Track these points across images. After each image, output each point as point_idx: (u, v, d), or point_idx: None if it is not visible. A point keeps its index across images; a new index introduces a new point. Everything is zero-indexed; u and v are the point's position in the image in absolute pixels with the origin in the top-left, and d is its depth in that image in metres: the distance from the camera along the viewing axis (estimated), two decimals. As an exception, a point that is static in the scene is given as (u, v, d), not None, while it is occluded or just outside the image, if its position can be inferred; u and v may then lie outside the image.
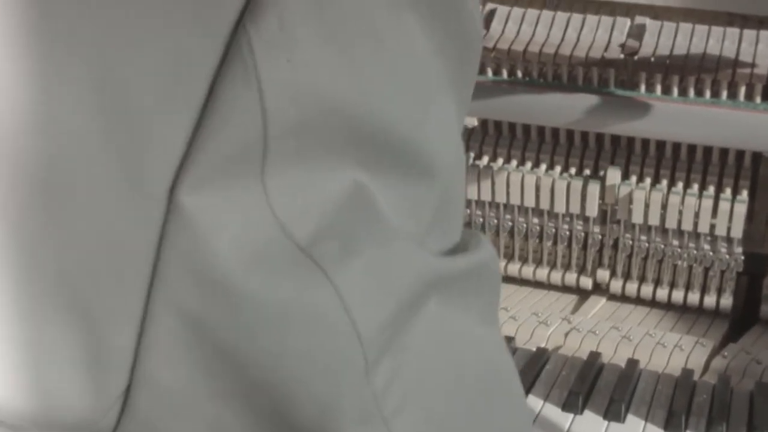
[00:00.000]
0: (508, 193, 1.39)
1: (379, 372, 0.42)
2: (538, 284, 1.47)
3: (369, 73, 0.40)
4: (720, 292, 1.37)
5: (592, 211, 1.36)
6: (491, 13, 1.41)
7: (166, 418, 0.41)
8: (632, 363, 1.24)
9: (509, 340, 1.29)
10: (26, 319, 0.38)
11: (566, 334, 1.31)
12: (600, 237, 1.39)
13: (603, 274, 1.42)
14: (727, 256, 1.34)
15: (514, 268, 1.46)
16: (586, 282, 1.43)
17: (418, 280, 0.44)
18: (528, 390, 1.21)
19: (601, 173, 1.37)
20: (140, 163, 0.37)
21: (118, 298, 0.39)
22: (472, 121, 1.39)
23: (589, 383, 1.20)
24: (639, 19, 1.37)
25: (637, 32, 1.35)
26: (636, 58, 1.32)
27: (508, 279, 1.48)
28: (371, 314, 0.42)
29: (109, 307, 0.39)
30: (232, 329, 0.39)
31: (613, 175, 1.34)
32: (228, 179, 0.38)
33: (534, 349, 1.28)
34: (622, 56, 1.32)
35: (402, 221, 0.44)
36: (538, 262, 1.45)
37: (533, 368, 1.24)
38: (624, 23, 1.36)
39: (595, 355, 1.26)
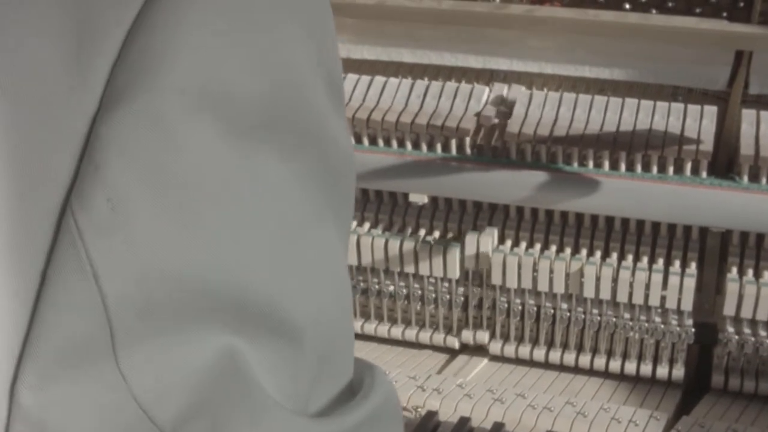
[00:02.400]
0: (460, 269, 1.40)
1: None
2: (492, 357, 1.47)
3: (216, 238, 0.39)
4: (672, 363, 1.38)
5: (544, 285, 1.37)
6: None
7: None
8: (588, 442, 1.25)
9: (465, 420, 1.29)
10: None
11: (522, 412, 1.31)
12: (552, 311, 1.40)
13: (556, 348, 1.42)
14: (678, 328, 1.35)
15: (467, 341, 1.46)
16: (539, 354, 1.43)
17: None
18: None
19: (553, 248, 1.38)
20: None
21: None
22: (423, 198, 1.39)
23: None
24: (567, 95, 1.38)
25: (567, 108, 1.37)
26: (583, 133, 1.33)
27: (450, 350, 1.48)
28: None
29: None
30: None
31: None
32: (76, 371, 0.36)
33: (489, 428, 1.28)
34: (567, 133, 1.33)
35: (278, 384, 0.42)
36: (492, 334, 1.45)
37: (490, 448, 1.24)
38: (571, 99, 1.38)
39: (551, 435, 1.26)
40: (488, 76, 1.46)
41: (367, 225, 1.44)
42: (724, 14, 1.38)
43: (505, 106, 1.39)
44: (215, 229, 0.39)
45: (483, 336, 1.45)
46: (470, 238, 1.37)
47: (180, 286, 0.38)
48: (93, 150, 0.36)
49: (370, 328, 1.49)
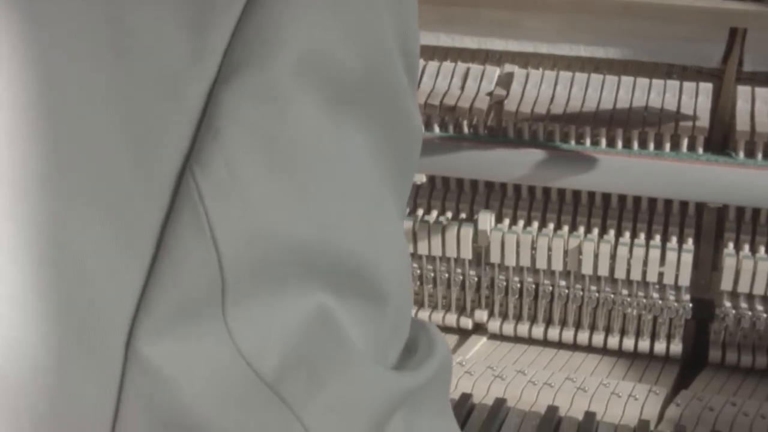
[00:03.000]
0: (458, 247, 1.40)
1: None
2: (491, 335, 1.48)
3: (319, 201, 0.41)
4: (669, 338, 1.39)
5: (542, 263, 1.38)
6: (437, 69, 1.42)
7: None
8: (589, 416, 1.26)
9: (467, 397, 1.30)
10: None
11: (523, 388, 1.32)
12: (550, 289, 1.41)
13: (554, 325, 1.44)
14: (676, 304, 1.36)
15: (466, 320, 1.47)
16: (538, 332, 1.45)
17: (381, 401, 0.45)
18: (488, 447, 1.21)
19: (551, 226, 1.39)
20: (90, 321, 0.37)
21: None
22: (421, 178, 1.40)
23: (548, 438, 1.22)
24: (564, 73, 1.39)
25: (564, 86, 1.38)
26: (580, 111, 1.34)
27: (461, 331, 1.49)
28: None
29: None
30: None
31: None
32: (189, 325, 0.38)
33: (490, 404, 1.29)
34: (564, 111, 1.34)
35: (365, 342, 0.44)
36: (491, 312, 1.46)
37: (491, 424, 1.25)
38: (567, 78, 1.39)
39: (552, 410, 1.27)
40: (483, 57, 1.47)
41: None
42: (718, -8, 1.39)
43: (503, 87, 1.40)
44: (319, 195, 0.41)
45: (482, 314, 1.46)
46: (483, 217, 1.38)
47: (287, 247, 0.40)
48: (212, 117, 0.38)
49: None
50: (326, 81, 0.40)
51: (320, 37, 0.40)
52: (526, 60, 1.45)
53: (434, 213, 1.43)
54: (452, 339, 1.49)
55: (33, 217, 0.36)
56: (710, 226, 1.38)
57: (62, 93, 0.36)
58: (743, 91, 1.34)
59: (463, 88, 1.40)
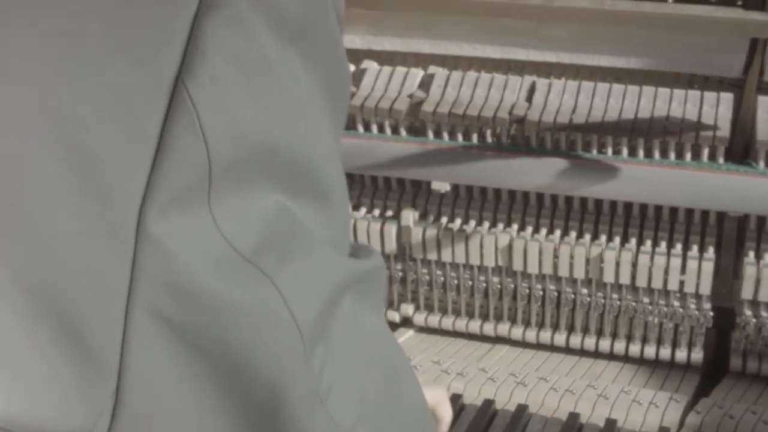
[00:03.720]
0: (481, 255, 1.42)
1: (315, 357, 0.52)
2: (514, 342, 1.50)
3: (280, 110, 0.50)
4: (691, 346, 1.41)
5: (564, 271, 1.39)
6: (461, 79, 1.44)
7: (153, 411, 0.49)
8: (610, 423, 1.27)
9: (489, 402, 1.32)
10: (16, 336, 0.45)
11: (545, 395, 1.34)
12: (572, 296, 1.42)
13: (576, 333, 1.45)
14: (697, 312, 1.38)
15: (489, 327, 1.49)
16: (560, 339, 1.46)
17: (337, 280, 0.55)
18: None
19: (573, 234, 1.40)
20: (107, 200, 0.46)
21: (101, 311, 0.47)
22: (445, 186, 1.42)
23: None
24: (586, 83, 1.41)
25: (585, 96, 1.39)
26: (602, 121, 1.36)
27: (484, 338, 1.51)
28: (306, 310, 0.51)
29: (92, 320, 0.47)
30: (202, 325, 0.48)
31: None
32: (184, 208, 0.47)
33: (513, 410, 1.30)
34: (587, 120, 1.36)
35: (318, 232, 0.54)
36: (513, 320, 1.48)
37: (514, 429, 1.26)
38: (590, 87, 1.40)
39: (574, 416, 1.28)
40: (506, 67, 1.48)
41: (390, 212, 1.47)
42: (739, 2, 1.40)
43: (526, 98, 1.41)
44: (281, 106, 0.50)
45: (504, 323, 1.48)
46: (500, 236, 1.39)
47: (259, 148, 0.49)
48: (198, 41, 0.47)
49: (393, 315, 1.52)
50: (277, 18, 0.49)
51: None
52: (549, 69, 1.46)
53: (458, 221, 1.44)
54: (475, 346, 1.51)
55: (52, 110, 0.45)
56: (731, 235, 1.39)
57: None
58: (764, 101, 1.35)
59: (486, 98, 1.41)
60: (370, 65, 1.50)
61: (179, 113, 0.46)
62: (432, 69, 1.49)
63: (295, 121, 0.51)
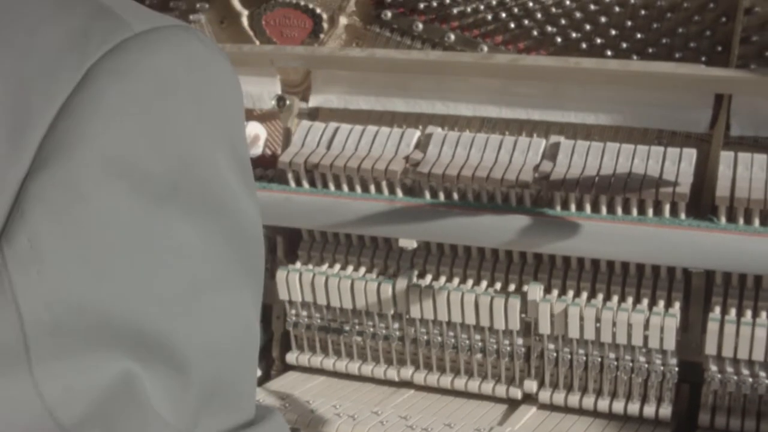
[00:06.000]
0: (449, 311, 1.44)
1: None
2: (484, 398, 1.51)
3: (119, 275, 0.48)
4: (659, 401, 1.40)
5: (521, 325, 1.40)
6: (427, 138, 1.47)
7: None
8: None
9: (449, 459, 1.33)
10: None
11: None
12: (540, 350, 1.43)
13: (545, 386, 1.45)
14: (662, 367, 1.37)
15: (460, 383, 1.50)
16: (531, 389, 1.47)
17: None
18: None
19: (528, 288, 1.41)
20: None
21: None
22: (412, 243, 1.44)
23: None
24: (553, 138, 1.43)
25: (551, 152, 1.41)
26: (564, 178, 1.37)
27: (449, 392, 1.52)
28: None
29: None
30: None
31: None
32: (1, 368, 0.45)
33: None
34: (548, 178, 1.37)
35: (167, 407, 0.50)
36: (484, 376, 1.49)
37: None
38: (555, 145, 1.42)
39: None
40: (479, 124, 1.51)
41: (362, 269, 1.50)
42: (703, 59, 1.41)
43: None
44: (119, 270, 0.48)
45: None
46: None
47: (82, 313, 0.47)
48: (20, 202, 0.46)
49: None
50: (139, 180, 0.48)
51: (126, 143, 0.48)
52: (520, 126, 1.49)
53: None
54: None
55: None
56: (699, 289, 1.39)
57: None
58: (726, 157, 1.35)
59: (453, 155, 1.44)
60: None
61: None
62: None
63: (146, 285, 0.49)
